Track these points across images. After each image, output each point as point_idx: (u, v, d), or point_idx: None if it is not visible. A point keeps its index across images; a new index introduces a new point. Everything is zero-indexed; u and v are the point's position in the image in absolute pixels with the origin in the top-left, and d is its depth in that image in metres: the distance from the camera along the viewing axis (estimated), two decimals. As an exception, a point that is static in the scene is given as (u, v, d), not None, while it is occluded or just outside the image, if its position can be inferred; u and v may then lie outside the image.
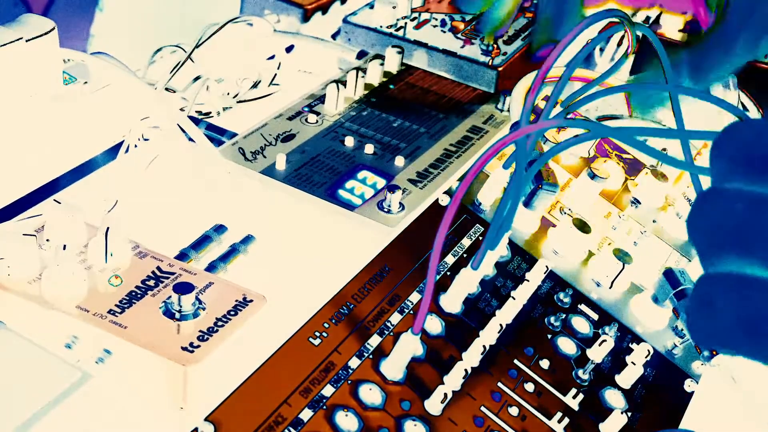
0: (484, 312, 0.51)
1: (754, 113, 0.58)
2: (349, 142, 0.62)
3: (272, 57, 0.73)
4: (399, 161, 0.60)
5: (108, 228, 0.43)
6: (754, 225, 0.23)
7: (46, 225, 0.45)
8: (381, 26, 0.78)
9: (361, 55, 0.75)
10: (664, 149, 0.61)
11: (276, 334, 0.45)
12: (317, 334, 0.45)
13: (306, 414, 0.41)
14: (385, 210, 0.55)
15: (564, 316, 0.53)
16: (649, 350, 0.51)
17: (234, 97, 0.69)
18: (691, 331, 0.25)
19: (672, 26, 0.66)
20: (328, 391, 0.43)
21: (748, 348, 0.23)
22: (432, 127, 0.66)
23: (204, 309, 0.42)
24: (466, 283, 0.50)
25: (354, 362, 0.45)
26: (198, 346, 0.40)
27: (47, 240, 0.44)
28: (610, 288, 0.57)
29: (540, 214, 0.58)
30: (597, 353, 0.51)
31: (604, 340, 0.51)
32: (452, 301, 0.50)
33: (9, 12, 0.63)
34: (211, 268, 0.48)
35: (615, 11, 0.49)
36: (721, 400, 0.54)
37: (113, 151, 0.58)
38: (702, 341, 0.25)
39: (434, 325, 0.48)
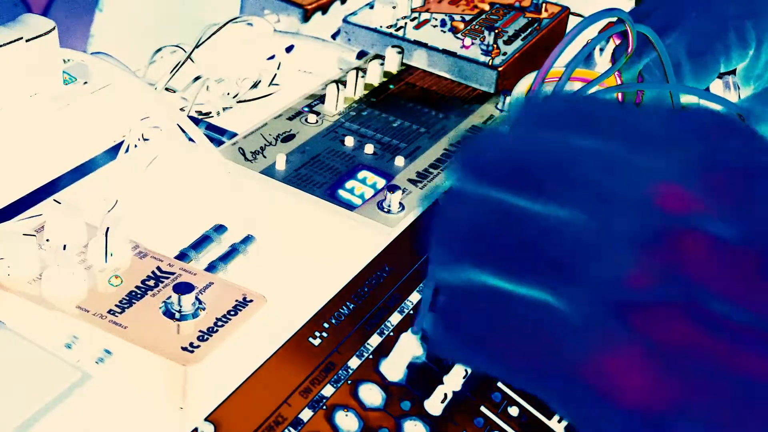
0: (484, 312, 0.51)
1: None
2: (349, 142, 0.62)
3: (272, 57, 0.73)
4: (399, 161, 0.60)
5: (108, 228, 0.43)
6: (490, 235, 0.22)
7: (46, 225, 0.45)
8: (381, 26, 0.78)
9: (361, 55, 0.75)
10: None
11: (276, 334, 0.45)
12: (317, 334, 0.45)
13: (306, 414, 0.41)
14: (385, 210, 0.55)
15: (564, 316, 0.53)
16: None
17: (234, 97, 0.69)
18: (430, 341, 0.24)
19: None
20: (328, 391, 0.43)
21: (481, 361, 0.23)
22: (432, 127, 0.66)
23: (204, 309, 0.42)
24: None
25: (354, 362, 0.45)
26: (198, 346, 0.40)
27: (47, 240, 0.44)
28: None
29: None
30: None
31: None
32: (452, 301, 0.50)
33: (9, 12, 0.63)
34: (211, 268, 0.48)
35: (616, 10, 0.49)
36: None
37: (113, 151, 0.58)
38: (440, 352, 0.24)
39: (434, 325, 0.48)
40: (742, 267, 0.19)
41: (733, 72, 0.60)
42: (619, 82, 0.57)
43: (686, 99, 0.58)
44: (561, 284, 0.21)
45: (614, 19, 0.50)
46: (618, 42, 0.53)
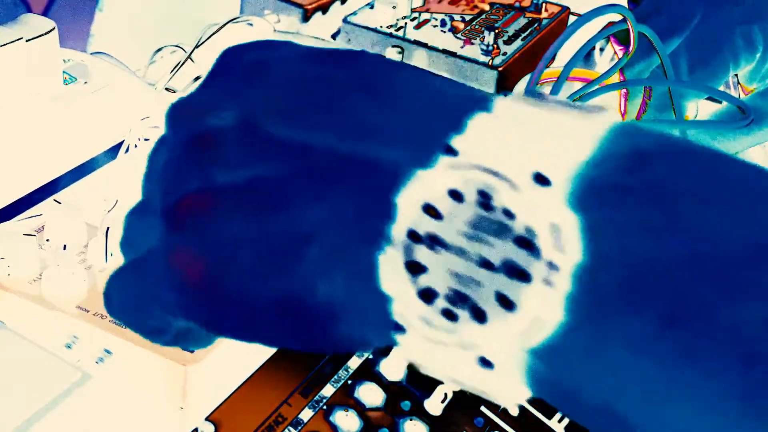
0: (484, 312, 0.51)
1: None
2: (349, 142, 0.62)
3: (272, 57, 0.73)
4: (399, 161, 0.60)
5: (108, 228, 0.43)
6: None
7: (46, 225, 0.45)
8: (381, 26, 0.78)
9: (361, 55, 0.75)
10: None
11: (276, 334, 0.44)
12: (317, 334, 0.45)
13: (306, 414, 0.41)
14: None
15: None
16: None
17: (234, 97, 0.69)
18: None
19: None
20: (328, 391, 0.43)
21: (131, 323, 0.26)
22: (432, 126, 0.66)
23: (204, 309, 0.42)
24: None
25: (354, 362, 0.45)
26: (198, 346, 0.40)
27: (47, 240, 0.44)
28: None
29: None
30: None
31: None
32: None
33: (9, 12, 0.63)
34: (211, 268, 0.48)
35: (617, 6, 0.48)
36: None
37: (113, 151, 0.58)
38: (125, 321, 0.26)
39: (434, 325, 0.48)
40: (241, 138, 0.21)
41: None
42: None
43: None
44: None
45: (616, 19, 0.50)
46: (620, 47, 0.53)
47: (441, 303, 0.18)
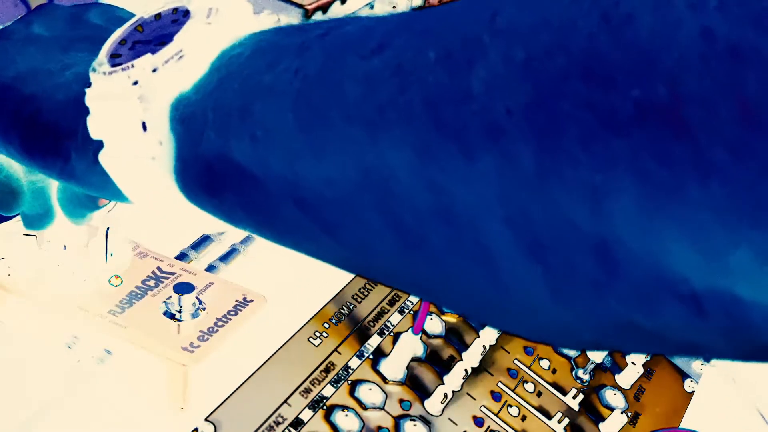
0: (484, 312, 0.51)
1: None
2: (349, 142, 0.61)
3: (272, 57, 0.73)
4: (399, 161, 0.60)
5: (108, 228, 0.43)
6: None
7: (46, 225, 0.45)
8: (381, 26, 0.78)
9: (361, 55, 0.74)
10: None
11: (276, 334, 0.45)
12: (317, 334, 0.45)
13: (306, 414, 0.41)
14: (385, 210, 0.55)
15: (564, 316, 0.53)
16: (649, 350, 0.51)
17: (234, 97, 0.69)
18: None
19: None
20: (328, 391, 0.43)
21: None
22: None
23: (204, 309, 0.42)
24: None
25: (354, 362, 0.45)
26: (198, 346, 0.40)
27: (47, 240, 0.44)
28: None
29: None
30: (597, 353, 0.51)
31: (604, 340, 0.51)
32: (452, 301, 0.50)
33: (9, 12, 0.63)
34: (211, 268, 0.48)
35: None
36: (721, 400, 0.54)
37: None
38: None
39: (434, 325, 0.48)
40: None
41: None
42: None
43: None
44: None
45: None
46: None
47: (121, 68, 0.25)
